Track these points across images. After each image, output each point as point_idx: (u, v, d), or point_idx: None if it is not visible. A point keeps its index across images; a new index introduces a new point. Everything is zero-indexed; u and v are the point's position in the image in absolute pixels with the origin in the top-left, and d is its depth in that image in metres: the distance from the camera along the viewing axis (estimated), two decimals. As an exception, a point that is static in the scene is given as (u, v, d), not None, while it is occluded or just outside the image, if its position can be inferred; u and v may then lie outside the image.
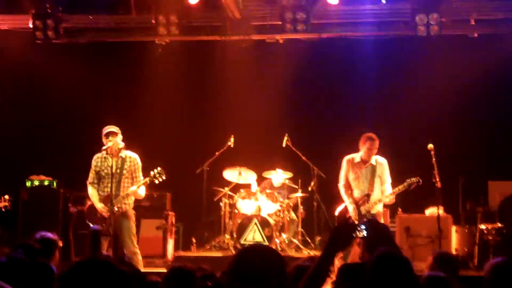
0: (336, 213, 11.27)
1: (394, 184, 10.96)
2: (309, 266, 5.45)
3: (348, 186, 11.14)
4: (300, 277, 4.79)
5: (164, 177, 10.42)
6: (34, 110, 14.82)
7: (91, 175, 10.62)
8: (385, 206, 12.16)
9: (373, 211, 10.98)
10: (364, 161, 11.09)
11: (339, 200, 11.40)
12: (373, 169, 11.06)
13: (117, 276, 3.29)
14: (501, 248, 11.23)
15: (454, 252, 11.78)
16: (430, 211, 12.36)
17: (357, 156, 11.15)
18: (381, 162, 11.13)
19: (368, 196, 10.98)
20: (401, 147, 13.67)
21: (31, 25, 13.48)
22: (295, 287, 4.69)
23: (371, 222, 5.45)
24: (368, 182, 11.04)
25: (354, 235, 4.61)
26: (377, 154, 11.15)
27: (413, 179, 10.72)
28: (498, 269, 4.78)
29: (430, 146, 10.79)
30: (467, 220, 12.61)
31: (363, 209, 10.91)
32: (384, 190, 11.01)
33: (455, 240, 12.25)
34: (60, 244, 8.02)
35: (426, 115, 13.86)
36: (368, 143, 11.03)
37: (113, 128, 10.43)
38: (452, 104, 13.96)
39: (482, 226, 11.82)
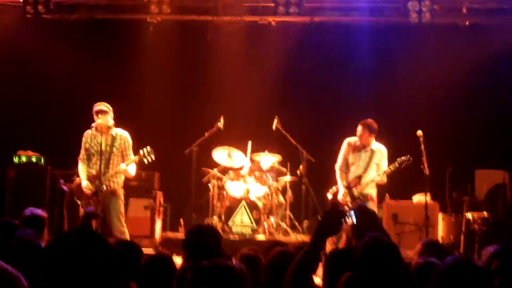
0: (329, 196, 11.30)
1: (385, 167, 11.02)
2: (293, 252, 5.50)
3: (344, 169, 11.17)
4: (284, 262, 4.84)
5: (153, 157, 10.40)
6: (24, 87, 14.73)
7: (82, 151, 10.59)
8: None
9: (365, 191, 11.02)
10: (364, 145, 11.13)
11: (328, 184, 11.44)
12: (372, 155, 11.10)
13: (102, 247, 3.28)
14: (487, 237, 11.29)
15: (440, 240, 11.83)
16: (418, 198, 12.41)
17: (357, 140, 11.19)
18: (381, 150, 11.17)
19: (360, 177, 11.02)
20: (390, 133, 13.68)
21: (21, -1, 13.42)
22: (280, 272, 4.72)
23: (361, 209, 5.45)
24: (364, 167, 11.09)
25: (343, 222, 4.63)
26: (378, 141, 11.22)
27: (403, 158, 10.77)
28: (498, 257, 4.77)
29: (419, 133, 10.81)
30: (453, 209, 12.67)
31: (355, 191, 10.95)
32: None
33: (441, 228, 12.33)
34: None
35: (416, 103, 13.86)
36: (357, 131, 11.10)
37: (104, 106, 10.38)
38: (442, 93, 13.98)
39: (469, 215, 11.87)
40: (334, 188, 11.28)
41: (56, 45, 14.20)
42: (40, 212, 7.88)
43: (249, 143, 13.21)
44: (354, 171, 11.11)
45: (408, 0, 12.92)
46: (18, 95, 14.68)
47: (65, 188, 12.58)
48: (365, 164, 11.10)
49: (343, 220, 4.61)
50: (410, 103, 13.90)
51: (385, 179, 11.05)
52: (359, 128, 11.09)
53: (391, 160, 11.06)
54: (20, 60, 14.61)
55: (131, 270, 5.17)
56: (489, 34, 13.49)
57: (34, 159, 13.08)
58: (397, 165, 10.81)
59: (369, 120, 11.14)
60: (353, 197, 10.91)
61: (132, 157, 10.45)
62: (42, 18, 13.68)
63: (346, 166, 11.19)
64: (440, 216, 12.35)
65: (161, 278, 5.10)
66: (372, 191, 11.12)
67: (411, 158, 10.73)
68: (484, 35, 13.53)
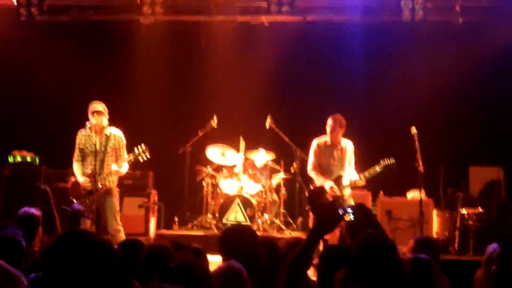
0: (307, 193, 11.33)
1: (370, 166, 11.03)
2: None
3: (318, 169, 11.16)
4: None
5: (147, 155, 10.39)
6: (18, 87, 14.75)
7: (76, 152, 10.60)
8: (367, 189, 12.30)
9: (346, 191, 11.05)
10: (334, 143, 11.14)
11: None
12: (344, 151, 11.13)
13: (99, 247, 3.29)
14: (482, 233, 11.33)
15: (435, 236, 11.87)
16: (412, 194, 12.46)
17: (327, 139, 11.20)
18: (350, 145, 11.22)
19: (340, 177, 11.05)
20: (384, 131, 13.74)
21: (15, 2, 13.42)
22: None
23: (358, 206, 5.48)
24: (341, 164, 11.12)
25: (341, 219, 4.64)
26: (344, 137, 11.24)
27: (387, 161, 10.79)
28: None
29: (413, 130, 10.83)
30: (448, 205, 12.67)
31: (337, 191, 10.95)
32: (350, 173, 11.10)
33: (436, 224, 12.34)
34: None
35: (410, 101, 13.88)
36: (328, 121, 11.11)
37: (100, 107, 10.38)
38: (436, 90, 13.99)
39: (463, 211, 11.90)
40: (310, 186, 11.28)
41: (49, 47, 14.21)
42: (34, 211, 7.89)
43: (241, 139, 13.23)
44: (330, 170, 11.13)
45: (401, -2, 12.96)
46: (13, 96, 14.71)
47: (43, 187, 12.57)
48: (340, 162, 11.12)
49: (340, 217, 4.60)
50: (404, 101, 13.90)
51: (363, 181, 11.04)
52: (331, 122, 11.09)
53: (379, 160, 11.07)
54: (14, 62, 14.59)
55: (132, 268, 5.20)
56: (483, 32, 13.51)
57: (28, 159, 13.12)
58: (382, 167, 10.83)
59: (338, 115, 11.15)
60: (335, 197, 10.89)
61: (125, 156, 10.46)
62: (36, 20, 13.69)
63: (320, 166, 11.20)
64: (434, 212, 12.38)
65: (161, 268, 5.11)
66: (348, 190, 11.16)
67: (395, 163, 10.78)
68: (477, 33, 13.55)
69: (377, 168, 10.86)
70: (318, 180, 11.10)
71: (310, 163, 11.27)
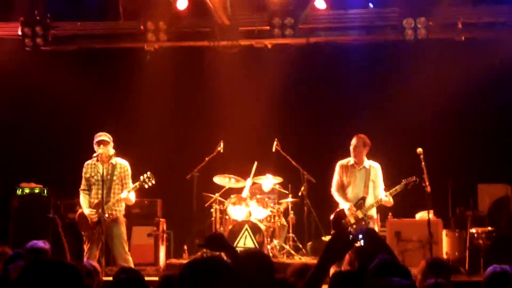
0: (331, 217, 11.25)
1: (388, 188, 10.97)
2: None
3: (341, 191, 11.13)
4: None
5: (153, 182, 10.44)
6: (24, 118, 14.80)
7: (83, 181, 10.63)
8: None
9: (369, 213, 10.99)
10: (357, 163, 11.12)
11: (330, 205, 11.41)
12: (367, 172, 11.08)
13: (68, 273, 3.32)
14: (492, 252, 11.28)
15: (445, 256, 11.81)
16: (420, 215, 12.41)
17: (350, 160, 11.18)
18: (375, 167, 11.16)
19: (363, 199, 10.99)
20: (390, 151, 13.69)
21: (20, 32, 13.49)
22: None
23: (369, 231, 5.43)
24: (363, 185, 11.05)
25: (351, 244, 4.59)
26: (370, 159, 11.20)
27: (410, 179, 10.76)
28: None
29: (419, 150, 10.81)
30: (457, 224, 12.64)
31: (360, 213, 10.89)
32: (377, 195, 11.02)
33: (445, 245, 12.28)
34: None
35: (415, 120, 13.87)
36: (352, 141, 11.09)
37: (105, 137, 10.43)
38: (441, 108, 14.00)
39: (473, 230, 11.86)
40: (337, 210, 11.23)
41: (55, 75, 14.24)
42: (41, 244, 7.87)
43: (255, 163, 13.20)
44: (352, 192, 11.09)
45: (403, 17, 12.95)
46: (19, 126, 14.75)
47: (51, 216, 12.62)
48: (363, 183, 11.07)
49: (351, 242, 4.55)
50: (410, 119, 13.90)
51: (392, 201, 11.00)
52: (354, 140, 11.10)
53: (394, 178, 11.05)
54: (20, 92, 14.67)
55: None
56: (486, 48, 13.50)
57: (37, 191, 13.13)
58: (403, 186, 10.79)
59: (363, 134, 11.16)
60: (357, 219, 10.84)
61: (131, 185, 10.47)
62: (41, 50, 13.75)
63: (342, 188, 11.15)
64: (444, 232, 12.32)
65: None
66: (373, 211, 11.11)
67: (417, 179, 10.72)
68: (480, 49, 13.53)
69: (399, 188, 10.81)
70: (340, 202, 11.07)
71: (334, 184, 11.23)
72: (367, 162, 11.15)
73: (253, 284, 4.60)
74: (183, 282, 3.73)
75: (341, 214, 10.98)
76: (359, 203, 10.96)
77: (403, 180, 10.80)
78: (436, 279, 5.25)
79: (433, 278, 5.41)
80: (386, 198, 10.87)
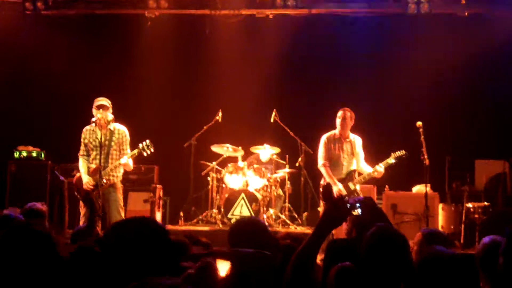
0: (321, 188, 11.21)
1: (381, 159, 10.95)
2: (294, 245, 5.46)
3: (328, 164, 11.10)
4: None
5: (152, 150, 10.39)
6: (23, 82, 14.77)
7: (82, 147, 10.60)
8: (372, 183, 12.24)
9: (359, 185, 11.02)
10: (343, 137, 11.10)
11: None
12: (353, 145, 11.08)
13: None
14: (487, 227, 11.30)
15: (440, 229, 11.83)
16: (417, 188, 12.43)
17: (336, 132, 11.15)
18: (358, 139, 11.15)
19: (354, 171, 11.00)
20: (389, 125, 13.72)
21: (21, -5, 13.45)
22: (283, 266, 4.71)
23: (366, 200, 5.42)
24: (352, 157, 11.05)
25: (349, 213, 4.57)
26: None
27: (398, 153, 10.75)
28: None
29: (419, 123, 10.76)
30: (453, 199, 12.67)
31: (351, 185, 10.90)
32: (362, 167, 11.04)
33: (441, 218, 12.33)
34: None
35: (415, 94, 13.87)
36: (338, 113, 11.06)
37: (105, 102, 10.38)
38: (441, 83, 13.99)
39: (469, 205, 11.88)
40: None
41: (55, 41, 14.23)
42: (39, 205, 7.90)
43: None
44: (340, 162, 11.03)
45: (406, -9, 12.93)
46: (18, 91, 14.72)
47: (62, 178, 12.67)
48: (350, 155, 11.07)
49: (348, 211, 4.53)
50: (410, 94, 13.90)
51: (382, 173, 10.96)
52: (341, 114, 11.03)
53: (386, 153, 11.02)
54: (19, 56, 14.61)
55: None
56: (489, 24, 13.47)
57: (34, 154, 13.12)
58: (393, 161, 10.78)
59: (348, 108, 11.13)
60: (349, 191, 10.84)
61: (128, 151, 10.45)
62: (41, 14, 13.70)
63: (329, 160, 11.13)
64: (440, 206, 12.36)
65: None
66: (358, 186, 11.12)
67: (406, 153, 10.73)
68: (483, 25, 13.51)
69: (389, 160, 10.80)
70: (327, 178, 10.93)
71: (321, 157, 11.15)
72: (351, 136, 11.14)
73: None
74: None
75: (330, 186, 10.89)
76: (351, 175, 10.97)
77: (392, 154, 10.79)
78: (435, 248, 5.23)
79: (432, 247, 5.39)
80: (375, 173, 10.82)
